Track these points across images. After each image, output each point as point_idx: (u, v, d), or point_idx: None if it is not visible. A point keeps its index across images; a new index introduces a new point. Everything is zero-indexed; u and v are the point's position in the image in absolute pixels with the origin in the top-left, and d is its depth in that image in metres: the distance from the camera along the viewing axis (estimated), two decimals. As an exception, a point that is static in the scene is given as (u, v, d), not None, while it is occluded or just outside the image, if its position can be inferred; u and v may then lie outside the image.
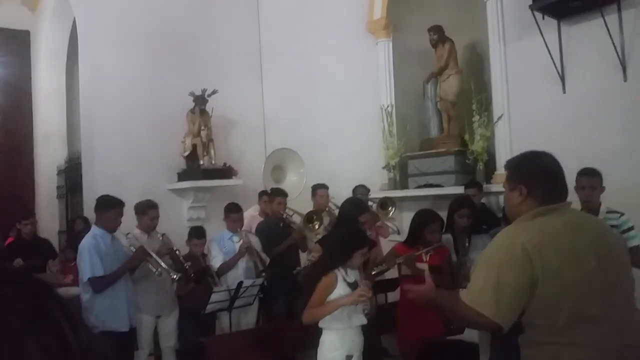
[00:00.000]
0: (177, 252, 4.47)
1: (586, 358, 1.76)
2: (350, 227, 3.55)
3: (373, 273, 3.42)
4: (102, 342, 0.64)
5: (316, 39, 6.81)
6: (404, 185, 5.85)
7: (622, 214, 3.55)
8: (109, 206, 4.12)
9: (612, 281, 1.84)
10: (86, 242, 4.04)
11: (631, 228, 3.50)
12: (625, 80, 4.23)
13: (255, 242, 4.88)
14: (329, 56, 6.66)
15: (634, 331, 1.83)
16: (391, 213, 5.23)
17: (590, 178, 3.55)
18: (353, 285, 3.09)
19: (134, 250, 4.17)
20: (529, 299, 1.79)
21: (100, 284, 3.93)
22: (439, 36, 5.65)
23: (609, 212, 3.57)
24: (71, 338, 0.57)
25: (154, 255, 4.12)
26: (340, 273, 3.12)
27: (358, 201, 4.35)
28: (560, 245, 1.81)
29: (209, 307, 4.08)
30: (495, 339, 2.06)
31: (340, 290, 3.08)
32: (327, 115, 6.64)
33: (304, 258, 5.08)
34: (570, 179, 3.64)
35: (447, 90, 5.62)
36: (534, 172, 1.97)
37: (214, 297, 4.07)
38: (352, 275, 3.17)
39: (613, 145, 4.26)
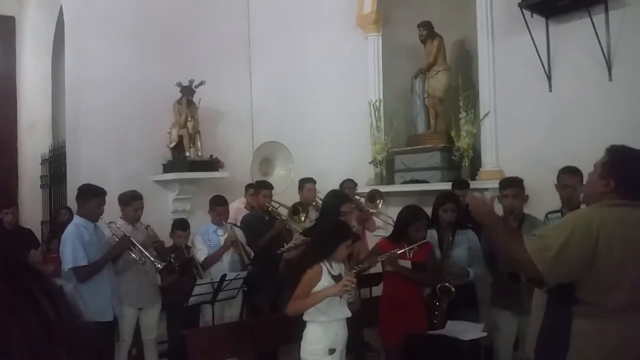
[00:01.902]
0: (163, 243, 4.45)
1: (631, 336, 1.96)
2: (334, 219, 3.56)
3: (353, 271, 3.42)
4: (85, 319, 0.64)
5: (306, 32, 6.77)
6: (390, 181, 5.86)
7: None
8: (91, 195, 4.08)
9: None
10: (69, 231, 4.00)
11: None
12: (610, 79, 4.26)
13: (239, 235, 4.86)
14: (318, 50, 6.64)
15: None
16: (379, 205, 5.24)
17: (572, 177, 3.57)
18: (337, 278, 3.11)
19: (117, 239, 4.14)
20: (583, 274, 1.99)
21: (83, 274, 3.90)
22: (428, 32, 5.65)
23: None
24: (51, 314, 0.56)
25: (138, 245, 4.10)
26: (325, 266, 3.13)
27: (339, 192, 4.40)
28: (629, 238, 1.98)
29: (192, 300, 4.05)
30: (548, 307, 2.22)
31: (325, 282, 3.09)
32: (315, 109, 6.62)
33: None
34: (554, 177, 3.69)
35: (435, 86, 5.63)
36: (631, 175, 2.08)
37: (197, 289, 4.05)
38: (337, 269, 3.18)
39: (597, 144, 4.25)
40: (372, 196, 5.25)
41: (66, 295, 0.62)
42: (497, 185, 4.11)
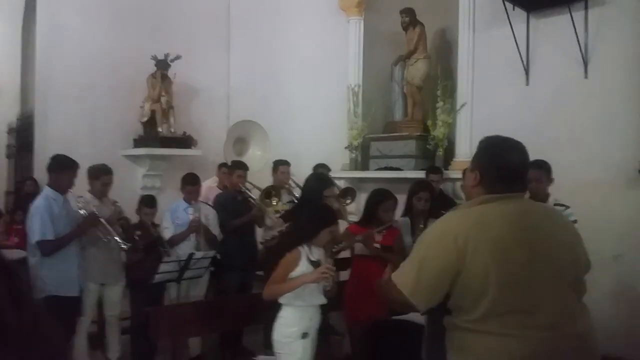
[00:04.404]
0: (128, 221, 4.36)
1: (499, 347, 1.75)
2: (318, 203, 3.51)
3: (334, 250, 3.40)
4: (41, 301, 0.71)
5: (287, 12, 6.67)
6: (365, 167, 5.86)
7: (567, 207, 3.59)
8: (65, 167, 3.96)
9: (546, 274, 1.81)
10: (39, 203, 3.88)
11: (573, 222, 3.55)
12: (586, 76, 4.31)
13: (211, 214, 4.78)
14: (299, 31, 6.55)
15: (571, 321, 1.82)
16: (346, 202, 5.13)
17: (535, 171, 3.53)
18: (316, 264, 3.06)
19: (86, 214, 4.03)
20: (452, 286, 1.80)
21: (49, 248, 3.80)
22: (410, 19, 5.62)
23: (555, 204, 3.61)
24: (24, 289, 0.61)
25: (104, 223, 4.00)
26: (304, 250, 3.08)
27: (322, 176, 4.36)
28: (492, 238, 1.79)
29: (157, 277, 3.99)
30: (429, 321, 2.05)
31: (304, 267, 3.04)
32: (294, 91, 6.55)
33: (260, 233, 5.03)
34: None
35: (414, 74, 5.62)
36: (491, 164, 1.94)
37: (163, 267, 3.98)
38: (316, 254, 3.13)
39: (570, 139, 4.35)
40: (345, 192, 5.19)
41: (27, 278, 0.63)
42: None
